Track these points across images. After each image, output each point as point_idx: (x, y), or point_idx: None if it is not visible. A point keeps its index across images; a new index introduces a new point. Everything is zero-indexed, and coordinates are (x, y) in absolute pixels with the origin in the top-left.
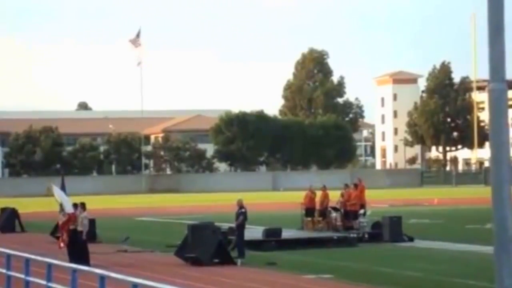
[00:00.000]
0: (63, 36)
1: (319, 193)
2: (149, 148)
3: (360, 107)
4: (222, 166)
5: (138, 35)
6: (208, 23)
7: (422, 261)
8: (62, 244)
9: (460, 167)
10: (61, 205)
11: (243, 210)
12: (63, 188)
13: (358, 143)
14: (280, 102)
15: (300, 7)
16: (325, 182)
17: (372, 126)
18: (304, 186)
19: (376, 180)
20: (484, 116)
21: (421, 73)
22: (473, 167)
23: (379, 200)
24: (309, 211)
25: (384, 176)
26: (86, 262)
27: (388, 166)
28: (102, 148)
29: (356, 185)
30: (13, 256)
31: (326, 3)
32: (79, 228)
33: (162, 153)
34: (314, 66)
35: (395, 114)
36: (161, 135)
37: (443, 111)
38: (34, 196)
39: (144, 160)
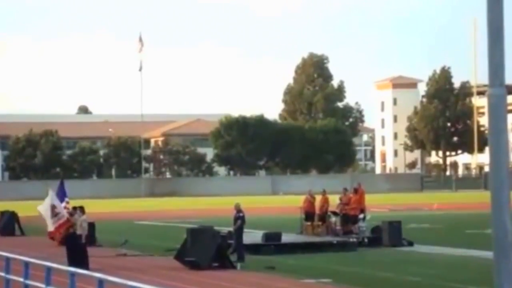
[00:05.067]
0: (63, 40)
1: (318, 198)
2: (149, 152)
3: (360, 112)
4: (222, 170)
5: (140, 40)
6: (208, 28)
7: (422, 266)
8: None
9: (460, 172)
10: (52, 210)
11: (241, 214)
12: (63, 191)
13: (358, 148)
14: (280, 106)
15: (301, 12)
16: (324, 187)
17: (372, 131)
18: (303, 190)
19: (376, 184)
20: (484, 121)
21: (421, 77)
22: (473, 172)
23: (379, 205)
24: (309, 215)
25: (384, 180)
26: (85, 265)
27: (388, 171)
28: (102, 152)
29: (356, 190)
30: (12, 259)
31: (327, 8)
32: (78, 232)
33: (161, 157)
34: (314, 70)
35: (395, 118)
36: (161, 139)
37: (443, 115)
38: (34, 199)
39: (144, 164)
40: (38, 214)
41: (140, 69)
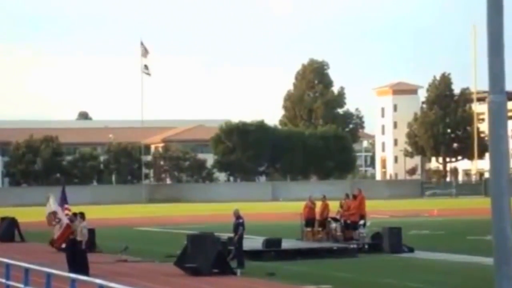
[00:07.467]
0: (63, 46)
1: (318, 204)
2: (149, 157)
3: (360, 118)
4: (222, 176)
5: (142, 45)
6: (209, 34)
7: (422, 272)
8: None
9: (460, 178)
10: (54, 216)
11: (240, 220)
12: (64, 197)
13: (358, 154)
14: (281, 112)
15: (301, 18)
16: (325, 193)
17: (372, 137)
18: (304, 196)
19: (376, 190)
20: (484, 127)
21: (421, 84)
22: (473, 178)
23: (379, 211)
24: (309, 221)
25: (384, 186)
26: (85, 271)
27: (388, 177)
28: (102, 158)
29: (355, 196)
30: (12, 265)
31: (327, 14)
32: (79, 238)
33: (162, 162)
34: (315, 76)
35: (395, 124)
36: (161, 144)
37: (443, 122)
38: (34, 205)
39: (144, 170)
40: (41, 220)
41: (148, 74)
